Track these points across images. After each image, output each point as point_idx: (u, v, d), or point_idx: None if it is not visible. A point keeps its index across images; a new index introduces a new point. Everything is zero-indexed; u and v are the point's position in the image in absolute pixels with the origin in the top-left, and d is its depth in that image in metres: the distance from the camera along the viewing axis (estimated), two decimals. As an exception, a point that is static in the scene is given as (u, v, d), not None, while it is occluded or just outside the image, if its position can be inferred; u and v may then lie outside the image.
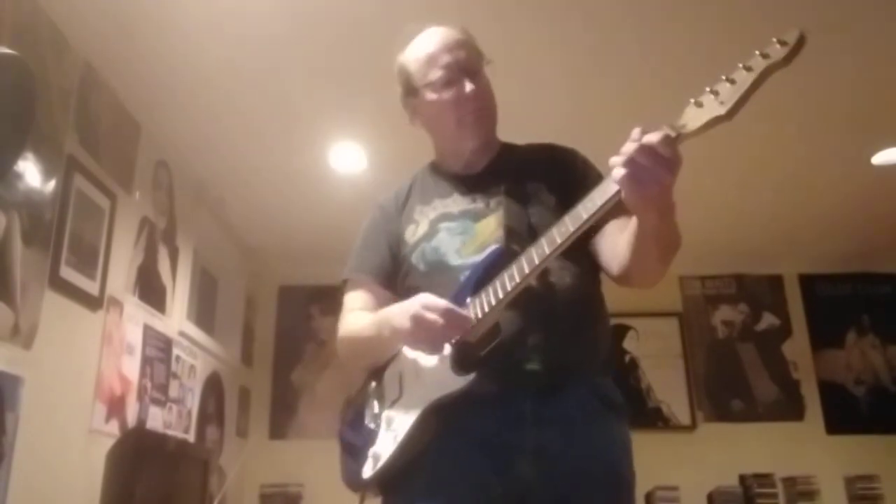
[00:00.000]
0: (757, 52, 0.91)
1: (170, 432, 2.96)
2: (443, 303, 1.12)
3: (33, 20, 2.10)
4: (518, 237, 1.21)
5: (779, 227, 3.97)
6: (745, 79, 0.90)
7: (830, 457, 4.10)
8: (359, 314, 1.34)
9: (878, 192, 3.54)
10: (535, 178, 1.31)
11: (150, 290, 2.86)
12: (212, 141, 3.03)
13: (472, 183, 1.35)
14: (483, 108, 1.34)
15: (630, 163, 0.95)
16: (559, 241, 1.06)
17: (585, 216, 1.04)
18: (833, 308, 4.48)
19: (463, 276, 1.20)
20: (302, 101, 2.73)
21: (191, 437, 3.22)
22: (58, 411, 2.16)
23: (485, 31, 1.41)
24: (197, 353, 3.37)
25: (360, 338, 1.31)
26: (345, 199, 3.29)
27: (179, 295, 3.17)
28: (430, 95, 1.33)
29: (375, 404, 1.29)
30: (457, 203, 1.33)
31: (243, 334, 4.13)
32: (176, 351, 3.09)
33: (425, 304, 1.12)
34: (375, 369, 1.33)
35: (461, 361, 1.13)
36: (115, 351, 2.52)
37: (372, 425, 1.27)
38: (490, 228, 1.26)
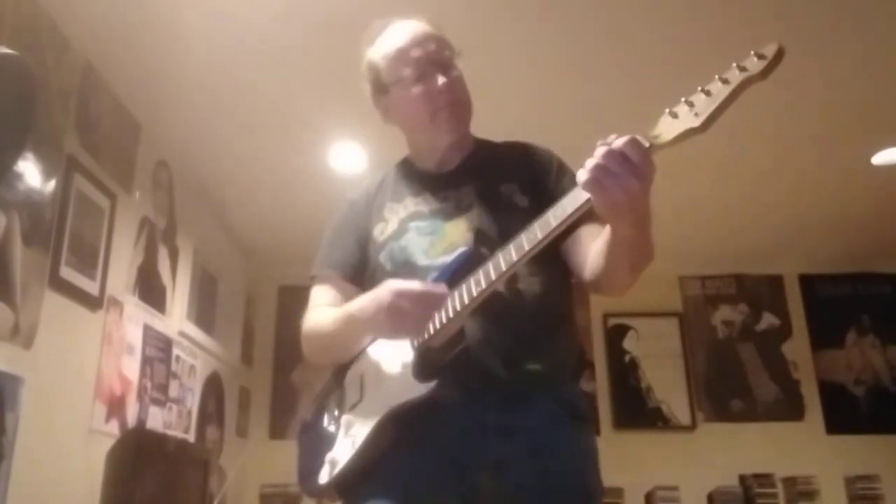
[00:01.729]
0: (734, 65, 0.89)
1: (170, 432, 2.96)
2: (415, 286, 1.08)
3: (33, 20, 2.10)
4: (488, 240, 1.17)
5: (779, 227, 3.97)
6: (720, 91, 0.89)
7: (830, 457, 4.10)
8: (324, 309, 1.30)
9: (878, 192, 3.53)
10: (508, 180, 1.28)
11: (150, 290, 2.86)
12: (212, 141, 3.03)
13: (445, 181, 1.31)
14: (457, 102, 1.29)
15: (596, 168, 0.92)
16: (527, 247, 1.02)
17: (554, 223, 1.00)
18: (833, 308, 4.48)
19: (430, 278, 1.17)
20: (302, 100, 2.73)
21: (191, 437, 3.22)
22: (58, 411, 2.16)
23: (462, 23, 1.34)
24: (197, 353, 3.37)
25: (326, 332, 1.26)
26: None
27: (179, 295, 3.17)
28: (402, 92, 1.29)
29: (335, 407, 1.26)
30: (428, 202, 1.29)
31: (243, 334, 4.14)
32: (176, 351, 3.09)
33: (398, 291, 1.08)
34: (338, 369, 1.30)
35: (423, 368, 1.10)
36: (115, 351, 2.52)
37: (331, 428, 1.24)
38: (460, 230, 1.23)
